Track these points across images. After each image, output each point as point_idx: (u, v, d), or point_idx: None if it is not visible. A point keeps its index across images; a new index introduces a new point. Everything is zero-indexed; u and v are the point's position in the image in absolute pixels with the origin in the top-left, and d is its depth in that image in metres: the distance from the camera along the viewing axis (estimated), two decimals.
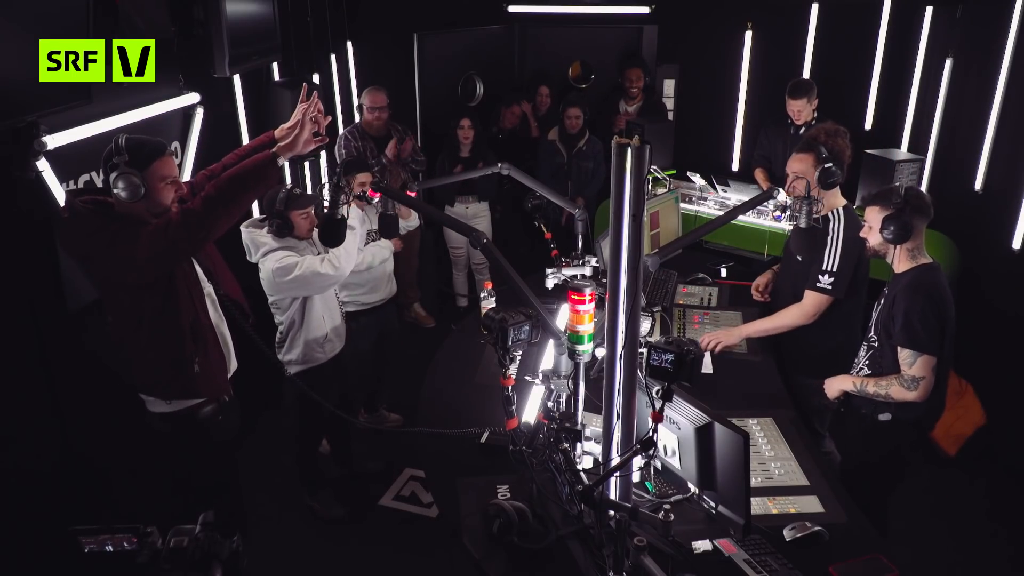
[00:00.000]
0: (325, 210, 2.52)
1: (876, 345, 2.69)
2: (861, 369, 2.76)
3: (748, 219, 4.49)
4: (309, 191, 4.44)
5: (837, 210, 3.05)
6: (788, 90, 4.63)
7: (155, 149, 2.35)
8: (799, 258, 3.07)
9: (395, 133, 4.76)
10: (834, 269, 2.97)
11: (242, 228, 3.20)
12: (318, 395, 3.45)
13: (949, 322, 2.56)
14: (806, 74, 5.65)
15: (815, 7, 5.63)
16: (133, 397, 3.14)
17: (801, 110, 4.57)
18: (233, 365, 2.82)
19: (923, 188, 4.90)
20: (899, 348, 2.56)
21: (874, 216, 2.61)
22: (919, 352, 2.52)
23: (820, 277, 3.00)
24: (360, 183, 3.46)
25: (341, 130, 4.97)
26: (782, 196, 4.29)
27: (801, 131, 4.65)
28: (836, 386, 2.78)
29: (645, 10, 6.11)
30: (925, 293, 2.53)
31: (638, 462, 2.24)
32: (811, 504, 2.30)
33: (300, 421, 3.57)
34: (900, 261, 2.63)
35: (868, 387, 2.65)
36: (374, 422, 4.23)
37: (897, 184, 2.63)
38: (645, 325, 2.90)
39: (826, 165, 2.94)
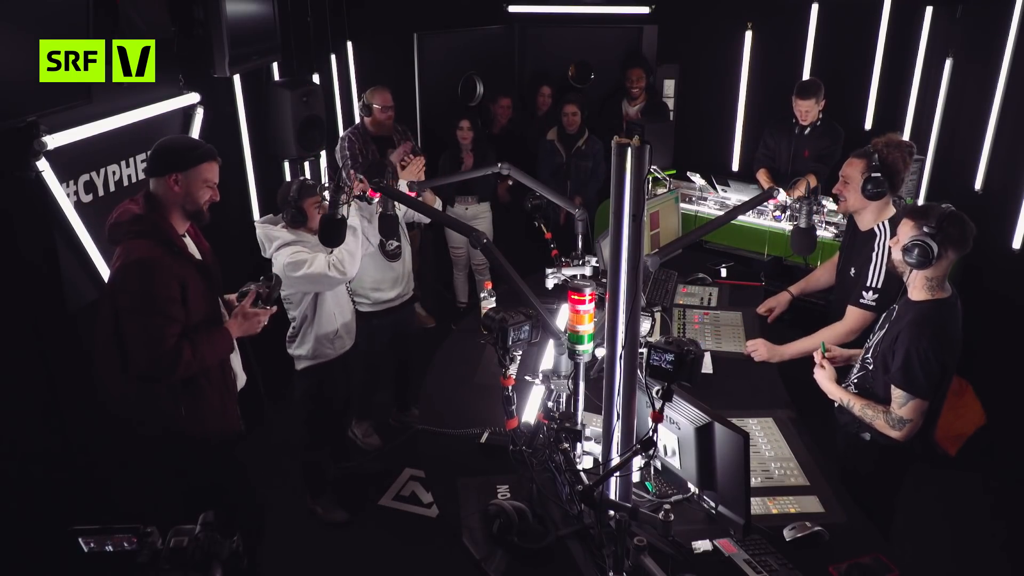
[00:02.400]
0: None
1: (870, 368, 2.59)
2: (849, 385, 2.69)
3: (748, 219, 4.49)
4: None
5: (884, 223, 2.98)
6: (796, 90, 4.62)
7: (206, 153, 2.50)
8: (851, 272, 3.04)
9: (395, 134, 4.75)
10: (878, 286, 2.91)
11: (256, 224, 3.26)
12: (327, 392, 3.47)
13: (952, 362, 2.45)
14: (806, 74, 5.66)
15: (815, 7, 5.62)
16: None
17: (809, 110, 4.57)
18: (240, 382, 2.80)
19: (923, 188, 4.90)
20: (894, 386, 2.46)
21: (905, 231, 2.45)
22: (912, 396, 2.41)
23: (864, 293, 2.94)
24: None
25: (341, 131, 4.97)
26: (782, 196, 4.31)
27: (807, 131, 4.66)
28: (826, 388, 2.70)
29: (645, 10, 6.11)
30: (931, 335, 2.38)
31: (638, 462, 2.25)
32: (811, 504, 2.30)
33: (308, 425, 3.58)
34: (916, 288, 2.48)
35: (855, 407, 2.57)
36: (408, 422, 4.24)
37: (944, 205, 2.42)
38: (645, 325, 2.90)
39: (874, 175, 2.88)
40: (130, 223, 2.43)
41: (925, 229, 2.37)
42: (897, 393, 2.45)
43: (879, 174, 2.90)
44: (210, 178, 2.50)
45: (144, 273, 2.36)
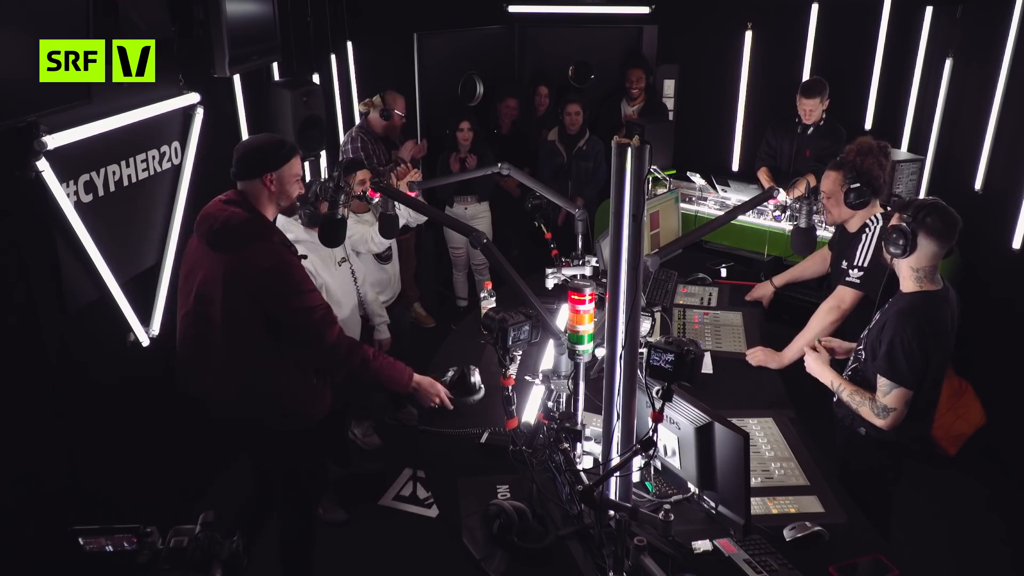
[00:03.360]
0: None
1: (862, 359, 2.61)
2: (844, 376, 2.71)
3: (748, 219, 4.49)
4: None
5: (875, 216, 3.06)
6: (801, 89, 4.63)
7: (292, 149, 2.62)
8: (843, 266, 3.08)
9: (397, 137, 4.77)
10: (864, 264, 2.98)
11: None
12: None
13: (940, 354, 2.46)
14: (806, 74, 5.66)
15: (815, 7, 5.62)
16: (132, 397, 3.15)
17: (813, 109, 4.59)
18: None
19: (923, 188, 4.90)
20: (879, 375, 2.48)
21: (891, 224, 2.48)
22: (896, 384, 2.43)
23: (850, 271, 3.03)
24: (359, 181, 3.48)
25: (342, 133, 4.96)
26: (782, 196, 4.31)
27: (809, 131, 4.66)
28: (817, 371, 2.71)
29: (645, 10, 6.11)
30: (916, 325, 2.40)
31: (638, 462, 2.25)
32: (811, 504, 2.30)
33: None
34: (904, 279, 2.50)
35: (844, 393, 2.59)
36: (404, 419, 4.27)
37: (931, 198, 2.44)
38: (645, 325, 2.90)
39: (852, 185, 2.95)
40: (245, 227, 2.48)
41: (904, 219, 2.40)
42: (882, 381, 2.47)
43: (858, 184, 2.95)
44: (298, 172, 2.62)
45: (292, 270, 2.50)
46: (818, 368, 2.71)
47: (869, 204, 3.02)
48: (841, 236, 3.22)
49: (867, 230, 3.05)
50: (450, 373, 2.83)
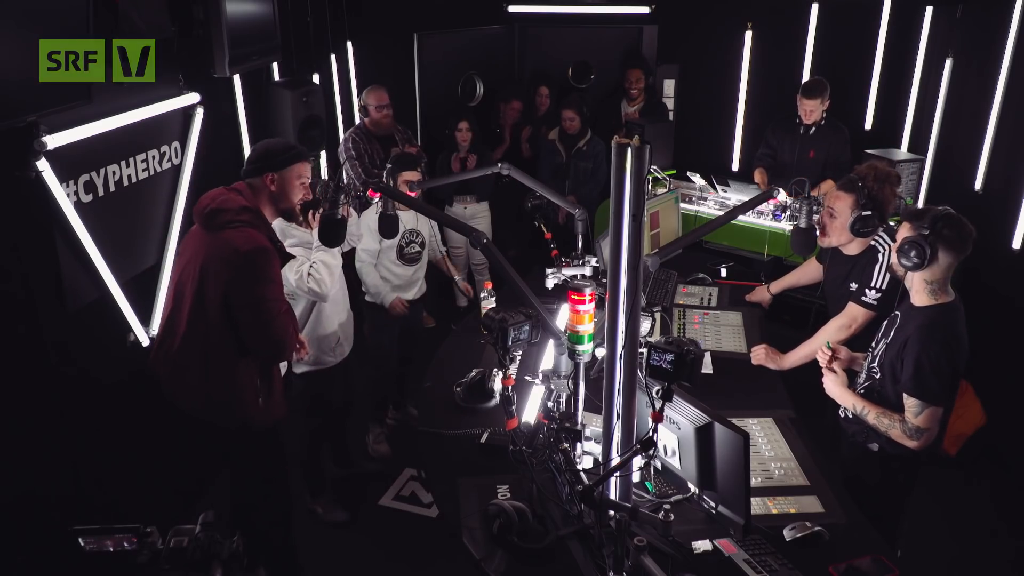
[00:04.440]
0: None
1: (878, 377, 2.54)
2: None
3: (748, 219, 4.49)
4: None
5: (882, 235, 2.98)
6: (802, 89, 4.62)
7: (298, 155, 2.69)
8: (852, 287, 3.02)
9: (397, 135, 4.76)
10: (882, 286, 2.91)
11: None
12: (325, 396, 3.48)
13: (962, 365, 2.42)
14: (806, 74, 5.66)
15: (815, 7, 5.63)
16: (133, 397, 3.15)
17: (813, 110, 4.58)
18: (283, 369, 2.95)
19: (923, 188, 4.90)
20: (906, 395, 2.40)
21: (903, 234, 2.41)
22: (928, 404, 2.36)
23: (867, 291, 2.94)
24: (405, 180, 3.54)
25: (342, 133, 4.96)
26: (782, 196, 4.31)
27: (811, 131, 4.66)
28: (837, 394, 2.64)
29: (645, 10, 6.11)
30: (941, 341, 2.34)
31: (638, 462, 2.25)
32: (811, 504, 2.30)
33: (307, 425, 3.58)
34: (917, 292, 2.44)
35: (869, 416, 2.50)
36: (401, 419, 4.28)
37: (941, 208, 2.37)
38: (645, 325, 2.90)
39: (864, 213, 2.85)
40: (238, 212, 2.54)
41: (920, 230, 2.35)
42: (911, 402, 2.39)
43: (869, 212, 2.86)
44: (302, 177, 2.69)
45: (268, 260, 2.53)
46: (838, 392, 2.63)
47: (869, 236, 2.95)
48: (836, 254, 3.14)
49: (880, 251, 2.97)
50: (472, 374, 2.85)
